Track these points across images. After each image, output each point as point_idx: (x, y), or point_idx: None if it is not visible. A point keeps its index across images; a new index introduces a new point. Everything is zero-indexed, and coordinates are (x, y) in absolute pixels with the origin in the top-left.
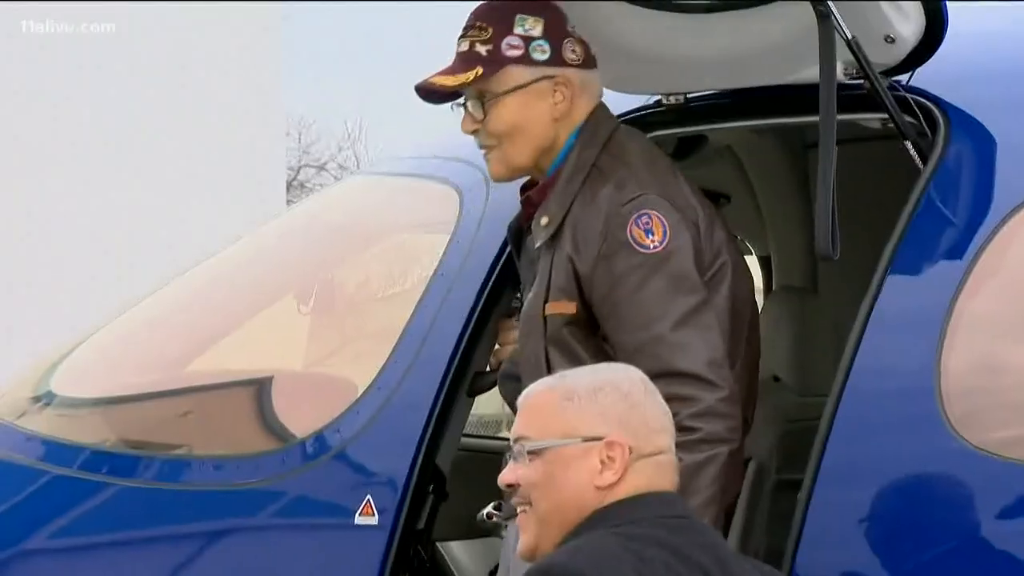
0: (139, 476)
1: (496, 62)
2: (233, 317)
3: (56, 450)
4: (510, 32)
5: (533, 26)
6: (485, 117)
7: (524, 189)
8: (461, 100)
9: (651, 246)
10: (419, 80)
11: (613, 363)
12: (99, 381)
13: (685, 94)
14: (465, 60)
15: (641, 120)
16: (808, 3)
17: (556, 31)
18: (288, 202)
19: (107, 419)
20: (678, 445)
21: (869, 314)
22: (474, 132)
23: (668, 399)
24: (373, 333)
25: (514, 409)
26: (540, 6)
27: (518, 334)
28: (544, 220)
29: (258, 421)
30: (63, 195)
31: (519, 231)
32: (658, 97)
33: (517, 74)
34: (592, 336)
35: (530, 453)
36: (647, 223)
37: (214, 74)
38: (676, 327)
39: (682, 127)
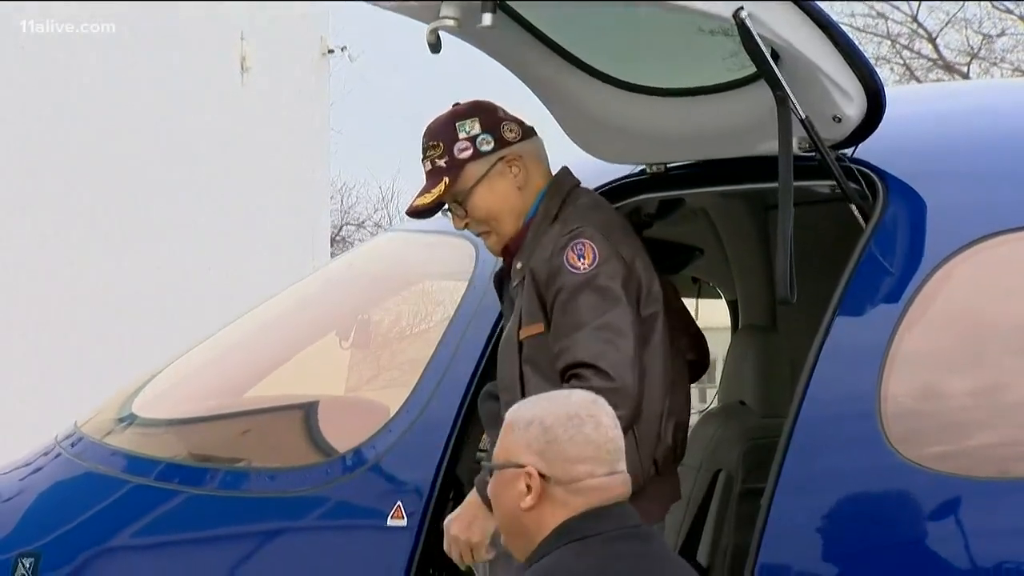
0: (206, 485)
1: (456, 167)
2: (285, 351)
3: (136, 463)
4: (456, 139)
5: (472, 126)
6: (467, 213)
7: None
8: (446, 207)
9: (581, 268)
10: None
11: (563, 391)
12: (173, 405)
13: (666, 164)
14: (432, 176)
15: (629, 186)
16: (768, 89)
17: (491, 122)
18: (332, 254)
19: (179, 437)
20: None
21: (821, 348)
22: (465, 226)
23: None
24: (403, 364)
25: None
26: (471, 107)
27: (498, 360)
28: (519, 264)
29: (306, 438)
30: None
31: (501, 280)
32: (643, 167)
33: (475, 169)
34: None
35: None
36: (580, 250)
37: (273, 147)
38: (594, 330)
39: (663, 192)
